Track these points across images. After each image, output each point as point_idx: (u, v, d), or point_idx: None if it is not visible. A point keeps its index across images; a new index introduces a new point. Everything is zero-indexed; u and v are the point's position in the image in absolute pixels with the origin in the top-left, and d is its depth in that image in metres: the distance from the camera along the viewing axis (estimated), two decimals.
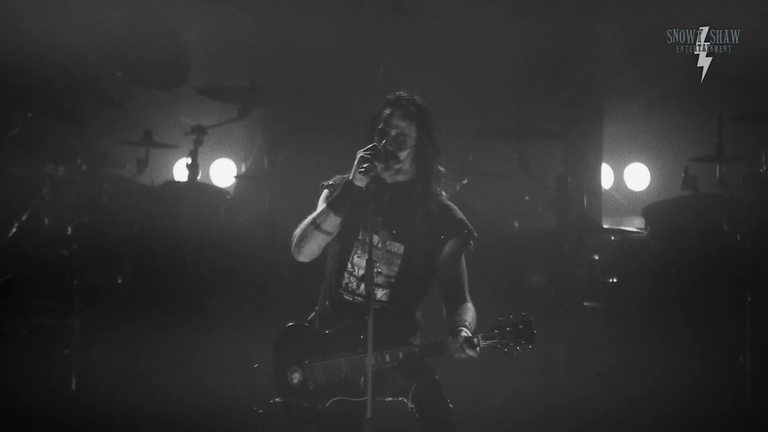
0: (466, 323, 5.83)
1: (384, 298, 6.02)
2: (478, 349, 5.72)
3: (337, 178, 6.11)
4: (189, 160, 10.11)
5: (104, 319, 9.64)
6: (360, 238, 6.02)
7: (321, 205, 6.06)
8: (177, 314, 9.66)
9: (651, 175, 12.36)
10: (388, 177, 5.98)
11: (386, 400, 5.87)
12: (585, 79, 10.88)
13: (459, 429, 5.78)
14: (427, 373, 5.92)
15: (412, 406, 5.80)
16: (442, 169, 6.09)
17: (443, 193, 6.10)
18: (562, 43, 10.68)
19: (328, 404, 5.90)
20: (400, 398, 5.84)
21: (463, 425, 5.85)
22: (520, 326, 5.75)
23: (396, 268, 6.02)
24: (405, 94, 6.05)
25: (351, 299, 6.03)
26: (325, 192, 6.10)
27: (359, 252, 6.02)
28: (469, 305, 5.99)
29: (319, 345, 5.98)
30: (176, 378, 9.23)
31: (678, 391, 9.05)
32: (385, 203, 6.00)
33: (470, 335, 5.74)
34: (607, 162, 11.81)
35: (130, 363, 9.38)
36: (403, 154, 5.97)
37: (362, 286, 5.98)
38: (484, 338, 5.75)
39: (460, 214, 6.10)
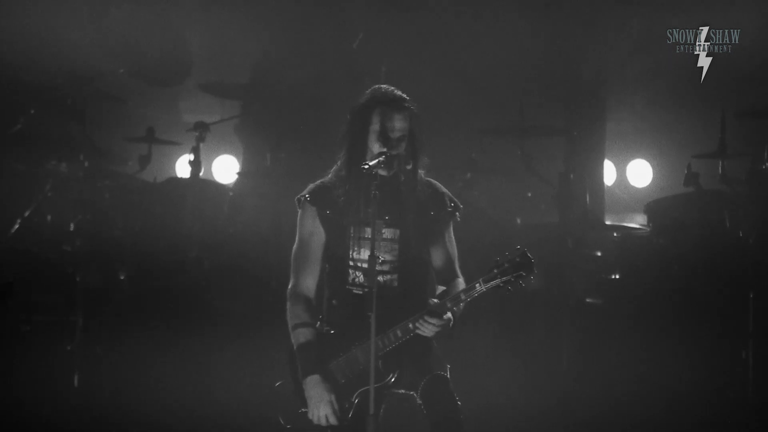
0: (448, 297, 5.86)
1: (394, 284, 6.02)
2: (449, 314, 5.77)
3: (310, 187, 6.12)
4: (191, 157, 10.11)
5: (107, 315, 9.65)
6: (353, 234, 6.02)
7: (304, 225, 6.09)
8: (179, 311, 9.67)
9: (653, 172, 12.36)
10: (381, 171, 5.97)
11: (399, 392, 5.88)
12: (588, 76, 10.88)
13: (466, 426, 5.78)
14: (438, 368, 5.92)
15: (420, 401, 5.81)
16: (426, 159, 6.11)
17: (420, 170, 6.12)
18: (565, 40, 10.68)
19: (354, 399, 5.90)
20: (411, 392, 5.85)
21: (471, 422, 5.85)
22: (517, 259, 5.76)
23: (396, 253, 6.02)
24: (396, 93, 6.04)
25: (361, 292, 6.04)
26: (311, 209, 6.09)
27: (356, 248, 6.02)
28: (460, 281, 6.03)
29: (331, 345, 5.98)
30: (179, 374, 9.23)
31: (680, 388, 9.05)
32: (374, 194, 5.99)
33: (435, 303, 5.76)
34: (609, 158, 11.81)
35: (133, 360, 9.37)
36: (406, 154, 6.00)
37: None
38: (486, 280, 5.77)
39: (443, 188, 6.15)
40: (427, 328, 5.78)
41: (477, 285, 5.77)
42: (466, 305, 5.94)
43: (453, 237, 6.14)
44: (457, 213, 6.12)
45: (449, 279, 6.06)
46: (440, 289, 6.07)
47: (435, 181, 6.15)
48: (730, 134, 9.63)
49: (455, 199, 6.14)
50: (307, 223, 6.11)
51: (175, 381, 9.16)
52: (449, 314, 5.83)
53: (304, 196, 6.12)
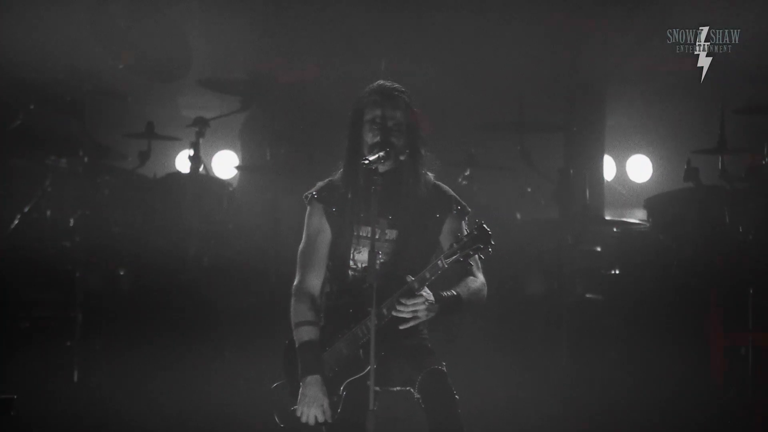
0: (449, 291, 5.83)
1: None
2: (424, 294, 5.71)
3: (319, 185, 6.11)
4: (191, 152, 10.13)
5: (106, 311, 9.66)
6: (355, 233, 6.02)
7: (311, 222, 6.08)
8: (179, 306, 9.68)
9: (653, 167, 12.35)
10: (380, 166, 5.96)
11: (393, 389, 5.87)
12: (587, 71, 10.87)
13: (465, 420, 5.78)
14: (435, 363, 5.90)
15: (418, 396, 5.79)
16: (425, 152, 6.07)
17: (429, 173, 6.10)
18: (565, 35, 10.68)
19: (341, 392, 5.89)
20: (407, 388, 5.84)
21: (469, 417, 5.85)
22: (475, 232, 5.72)
23: (390, 255, 6.01)
24: (388, 83, 6.05)
25: (345, 286, 6.06)
26: (318, 206, 6.08)
27: (358, 248, 6.02)
28: (472, 278, 5.97)
29: (321, 339, 5.99)
30: (178, 370, 9.24)
31: (679, 383, 9.06)
32: (378, 193, 5.97)
33: (409, 282, 5.73)
34: (609, 154, 11.82)
35: (132, 356, 9.39)
36: (401, 144, 5.98)
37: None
38: (446, 256, 5.72)
39: (451, 191, 6.11)
40: (404, 310, 5.74)
41: (438, 262, 5.73)
42: (468, 306, 5.91)
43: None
44: (466, 217, 6.10)
45: (463, 276, 5.97)
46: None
47: (442, 184, 6.12)
48: (729, 130, 9.63)
49: (462, 203, 6.10)
50: (314, 221, 6.09)
51: (175, 377, 9.17)
52: (429, 294, 5.76)
53: (312, 193, 6.09)
